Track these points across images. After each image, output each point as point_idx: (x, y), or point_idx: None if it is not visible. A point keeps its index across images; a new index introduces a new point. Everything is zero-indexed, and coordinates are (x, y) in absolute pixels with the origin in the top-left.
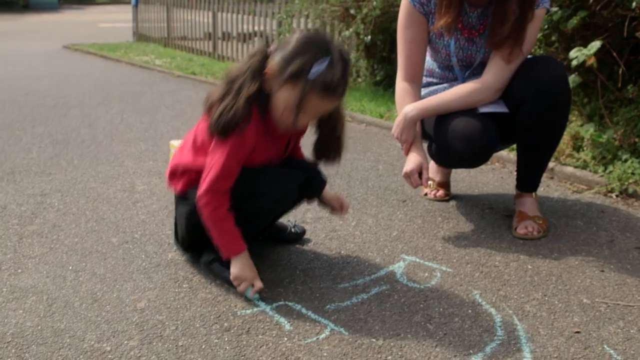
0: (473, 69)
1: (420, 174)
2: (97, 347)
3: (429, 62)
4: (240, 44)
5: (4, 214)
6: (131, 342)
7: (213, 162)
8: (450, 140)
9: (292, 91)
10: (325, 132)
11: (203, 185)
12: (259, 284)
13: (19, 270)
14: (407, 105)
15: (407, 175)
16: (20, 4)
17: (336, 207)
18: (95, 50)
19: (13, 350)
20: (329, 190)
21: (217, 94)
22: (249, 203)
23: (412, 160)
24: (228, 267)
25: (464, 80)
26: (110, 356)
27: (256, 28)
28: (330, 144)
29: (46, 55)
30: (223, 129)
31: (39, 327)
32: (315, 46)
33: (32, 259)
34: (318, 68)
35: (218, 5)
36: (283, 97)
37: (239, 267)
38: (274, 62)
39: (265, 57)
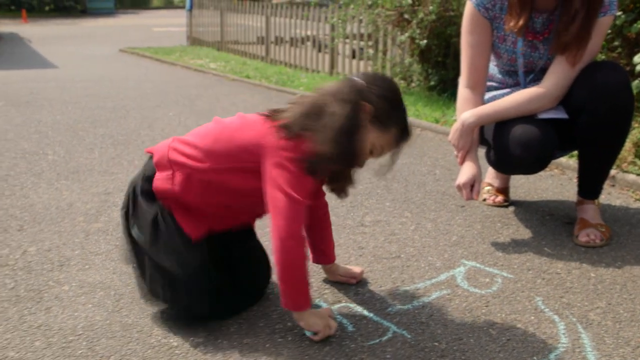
0: (535, 75)
1: (472, 187)
2: (164, 343)
3: (491, 67)
4: (292, 48)
5: (71, 212)
6: (197, 339)
7: (288, 198)
8: (509, 147)
9: (385, 136)
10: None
11: (285, 229)
12: (333, 324)
13: (87, 267)
14: (465, 112)
15: (460, 188)
16: (79, 9)
17: (347, 281)
18: (151, 53)
19: (84, 343)
20: (339, 266)
21: (309, 120)
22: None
23: (466, 172)
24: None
25: (526, 86)
26: (177, 351)
27: (308, 32)
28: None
29: (104, 59)
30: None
31: (108, 322)
32: (401, 96)
33: (98, 255)
34: (409, 125)
35: (271, 10)
36: (370, 139)
37: (312, 321)
38: (372, 100)
39: (358, 89)
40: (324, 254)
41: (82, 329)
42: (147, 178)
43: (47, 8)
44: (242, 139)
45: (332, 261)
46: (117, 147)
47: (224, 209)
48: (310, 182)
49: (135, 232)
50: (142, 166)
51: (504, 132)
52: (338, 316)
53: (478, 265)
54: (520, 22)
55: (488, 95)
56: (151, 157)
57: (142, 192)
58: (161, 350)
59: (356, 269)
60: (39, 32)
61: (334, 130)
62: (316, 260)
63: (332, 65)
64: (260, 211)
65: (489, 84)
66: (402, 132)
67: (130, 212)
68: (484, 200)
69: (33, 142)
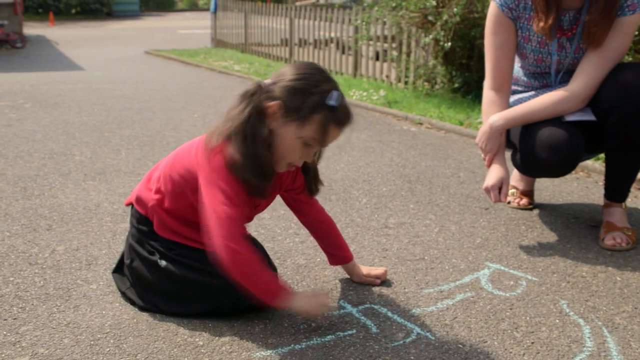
0: (563, 75)
1: (500, 189)
2: (190, 342)
3: (515, 69)
4: (316, 50)
5: (98, 212)
6: (222, 338)
7: (225, 202)
8: (535, 150)
9: (307, 126)
10: (310, 167)
11: (220, 240)
12: (330, 304)
13: (114, 266)
14: (493, 114)
15: (488, 190)
16: (104, 12)
17: (371, 282)
18: (176, 55)
19: (112, 341)
20: (361, 266)
21: (223, 134)
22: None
23: (494, 174)
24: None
25: (556, 86)
26: (202, 350)
27: (332, 34)
28: (315, 176)
29: (129, 60)
30: (253, 180)
31: (135, 320)
32: (319, 76)
33: None
34: (335, 97)
35: (295, 12)
36: (292, 133)
37: (301, 302)
38: (277, 96)
39: (263, 93)
40: (337, 256)
41: (109, 327)
42: (140, 225)
43: (73, 11)
44: (182, 165)
45: (349, 260)
46: (143, 148)
47: None
48: (240, 188)
49: (163, 263)
50: (130, 222)
51: (531, 135)
52: (362, 317)
53: (502, 267)
54: (549, 22)
55: (513, 98)
56: (132, 207)
57: (144, 236)
58: (187, 349)
59: (379, 270)
60: (66, 35)
61: (237, 138)
62: (333, 263)
63: (356, 67)
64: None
65: (513, 87)
66: (328, 114)
67: (144, 254)
68: (509, 202)
69: (61, 143)
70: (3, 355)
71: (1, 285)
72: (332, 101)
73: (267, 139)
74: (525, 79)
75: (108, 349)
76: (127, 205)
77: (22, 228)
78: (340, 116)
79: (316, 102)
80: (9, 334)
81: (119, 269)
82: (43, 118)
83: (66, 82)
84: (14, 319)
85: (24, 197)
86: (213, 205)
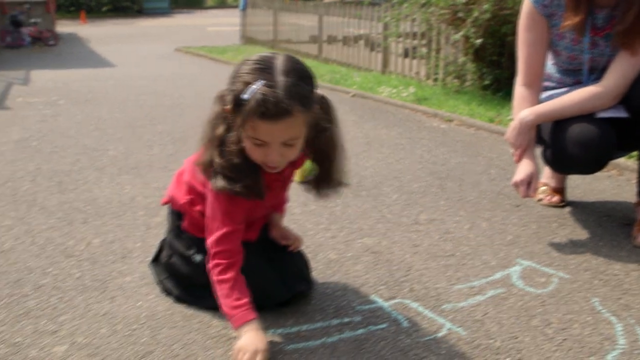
0: (597, 73)
1: (529, 184)
2: (224, 334)
3: (548, 66)
4: (345, 47)
5: (132, 205)
6: None
7: (213, 220)
8: (566, 146)
9: (240, 122)
10: (322, 166)
11: (211, 248)
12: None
13: (148, 259)
14: (523, 110)
15: (517, 185)
16: (135, 10)
17: (285, 242)
18: (205, 52)
19: (147, 332)
20: (282, 227)
21: (206, 156)
22: None
23: (523, 170)
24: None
25: (588, 84)
26: (235, 342)
27: (361, 31)
28: (324, 177)
29: (160, 57)
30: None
31: (170, 312)
32: (254, 69)
33: None
34: (251, 90)
35: (324, 9)
36: (241, 132)
37: (248, 337)
38: (227, 94)
39: (223, 95)
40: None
41: (145, 318)
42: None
43: (104, 9)
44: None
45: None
46: (176, 143)
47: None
48: (228, 204)
49: (199, 257)
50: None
51: (562, 131)
52: (393, 312)
53: (534, 264)
54: (577, 20)
55: (545, 94)
56: (169, 205)
57: (181, 232)
58: (220, 340)
59: (295, 235)
60: (97, 32)
61: (211, 148)
62: None
63: (385, 64)
64: (263, 211)
65: (546, 83)
66: (247, 108)
67: (181, 250)
68: (540, 200)
69: (94, 139)
70: (43, 343)
71: (40, 276)
72: (246, 95)
73: (234, 141)
74: (558, 75)
75: (144, 339)
76: (164, 204)
77: (59, 221)
78: (257, 109)
79: (237, 91)
80: (48, 323)
81: (156, 261)
82: (76, 114)
83: (98, 79)
84: (53, 308)
85: (59, 191)
86: (207, 221)
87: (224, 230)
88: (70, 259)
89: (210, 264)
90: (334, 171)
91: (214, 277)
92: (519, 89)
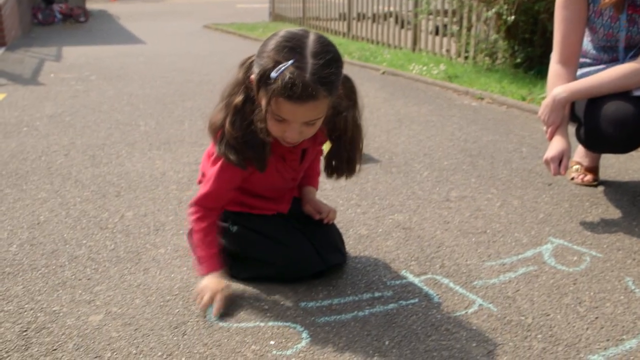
0: (635, 51)
1: (560, 161)
2: (257, 305)
3: (585, 42)
4: (374, 24)
5: (164, 180)
6: (287, 302)
7: (206, 179)
8: (600, 124)
9: (265, 99)
10: (336, 144)
11: (194, 197)
12: (219, 304)
13: (180, 232)
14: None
15: (548, 162)
16: None
17: (319, 216)
18: (234, 29)
19: (180, 303)
20: (315, 201)
21: (219, 117)
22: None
23: (555, 147)
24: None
25: (624, 62)
26: (268, 314)
27: (391, 8)
28: (341, 158)
29: (188, 35)
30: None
31: None
32: (284, 47)
33: None
34: (279, 69)
35: None
36: (263, 107)
37: (207, 279)
38: (254, 68)
39: (250, 64)
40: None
41: (178, 289)
42: None
43: None
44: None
45: (311, 185)
46: (205, 119)
47: (271, 192)
48: (224, 168)
49: (235, 228)
50: None
51: (596, 109)
52: (424, 287)
53: (566, 243)
54: None
55: (581, 71)
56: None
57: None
58: (253, 312)
59: (328, 208)
60: (127, 10)
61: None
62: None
63: (415, 41)
64: (283, 183)
65: (582, 60)
66: (273, 86)
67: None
68: (572, 179)
69: (125, 114)
70: (79, 312)
71: (75, 247)
72: (274, 73)
73: (252, 112)
74: (594, 52)
75: (177, 310)
76: (200, 183)
77: (92, 194)
78: (284, 90)
79: (263, 72)
80: (84, 293)
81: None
82: (107, 90)
83: (128, 55)
84: (88, 279)
85: (92, 165)
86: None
87: (210, 189)
88: (104, 231)
89: (188, 210)
90: (349, 150)
91: (191, 223)
92: (554, 67)
